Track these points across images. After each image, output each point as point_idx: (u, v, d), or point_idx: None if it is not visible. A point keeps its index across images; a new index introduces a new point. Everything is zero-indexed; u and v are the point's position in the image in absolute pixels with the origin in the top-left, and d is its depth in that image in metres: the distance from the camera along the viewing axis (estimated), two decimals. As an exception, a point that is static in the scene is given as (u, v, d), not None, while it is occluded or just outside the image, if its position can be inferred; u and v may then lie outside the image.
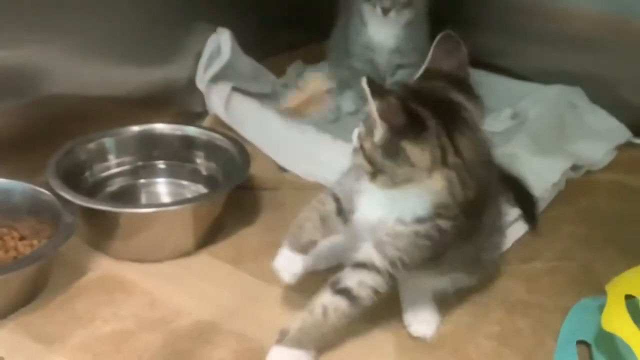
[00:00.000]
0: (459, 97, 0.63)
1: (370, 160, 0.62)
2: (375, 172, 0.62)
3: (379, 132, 0.60)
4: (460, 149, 0.61)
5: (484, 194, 0.67)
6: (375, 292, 0.67)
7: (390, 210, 0.65)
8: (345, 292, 0.67)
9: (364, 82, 0.59)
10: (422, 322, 0.73)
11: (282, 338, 0.67)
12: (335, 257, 0.78)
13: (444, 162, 0.61)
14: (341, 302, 0.66)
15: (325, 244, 0.74)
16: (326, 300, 0.67)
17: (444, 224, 0.64)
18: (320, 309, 0.67)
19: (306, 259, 0.73)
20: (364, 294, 0.66)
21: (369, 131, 0.62)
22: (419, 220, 0.64)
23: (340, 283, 0.67)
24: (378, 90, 0.59)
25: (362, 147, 0.63)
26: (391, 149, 0.60)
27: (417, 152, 0.60)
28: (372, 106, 0.60)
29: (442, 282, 0.74)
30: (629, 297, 0.69)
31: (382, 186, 0.63)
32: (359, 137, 0.63)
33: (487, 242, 0.74)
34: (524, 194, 0.91)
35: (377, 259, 0.66)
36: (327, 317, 0.66)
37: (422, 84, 0.65)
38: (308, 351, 0.67)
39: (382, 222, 0.66)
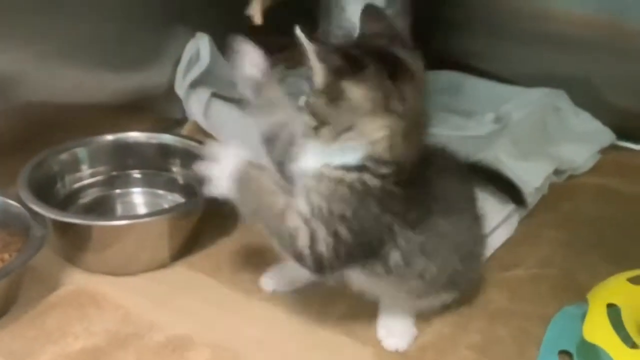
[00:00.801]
0: (400, 53, 0.61)
1: (313, 113, 0.60)
2: (319, 125, 0.60)
3: (319, 75, 0.59)
4: (405, 95, 0.59)
5: (429, 184, 0.65)
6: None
7: (324, 159, 0.63)
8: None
9: (297, 30, 0.58)
10: (395, 335, 0.71)
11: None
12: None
13: (387, 108, 0.59)
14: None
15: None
16: None
17: (369, 179, 0.61)
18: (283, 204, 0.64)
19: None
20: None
21: (312, 83, 0.60)
22: (347, 168, 0.61)
23: None
24: (318, 41, 0.59)
25: (307, 103, 0.61)
26: (332, 93, 0.59)
27: (357, 94, 0.58)
28: (309, 49, 0.58)
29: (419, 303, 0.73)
30: (610, 306, 0.68)
31: (324, 140, 0.61)
32: (305, 94, 0.61)
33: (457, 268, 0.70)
34: (505, 182, 0.90)
35: (302, 204, 0.62)
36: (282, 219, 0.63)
37: (363, 40, 0.64)
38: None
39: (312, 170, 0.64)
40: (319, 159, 0.63)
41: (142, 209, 0.92)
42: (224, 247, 0.86)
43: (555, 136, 1.07)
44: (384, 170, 0.61)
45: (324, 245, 0.62)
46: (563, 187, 1.00)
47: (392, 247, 0.64)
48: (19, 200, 0.78)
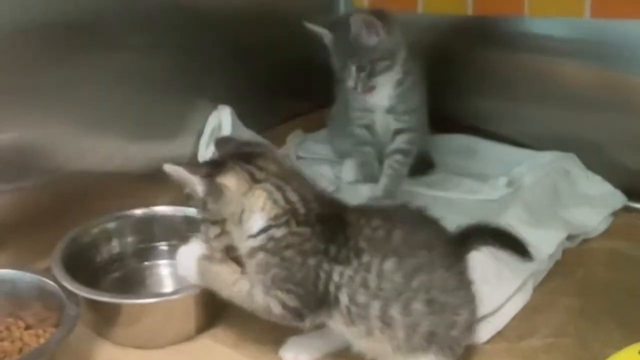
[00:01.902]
0: (246, 146, 0.80)
1: (212, 221, 0.76)
2: (221, 224, 0.75)
3: (198, 185, 0.75)
4: (264, 168, 0.75)
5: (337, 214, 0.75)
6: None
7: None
8: None
9: (166, 167, 0.75)
10: None
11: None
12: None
13: (255, 180, 0.74)
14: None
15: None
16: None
17: (274, 231, 0.73)
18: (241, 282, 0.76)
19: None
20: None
21: (200, 203, 0.76)
22: (254, 236, 0.74)
23: None
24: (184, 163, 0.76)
25: (203, 221, 0.77)
26: (214, 192, 0.74)
27: (231, 182, 0.74)
28: (183, 172, 0.75)
29: None
30: (623, 379, 0.70)
31: (234, 230, 0.75)
32: (202, 218, 0.77)
33: (433, 317, 0.72)
34: (507, 237, 0.88)
35: (256, 285, 0.74)
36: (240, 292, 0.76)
37: (220, 154, 0.80)
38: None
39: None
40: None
41: (169, 281, 0.96)
42: (248, 318, 0.88)
43: (566, 200, 1.10)
44: (281, 219, 0.73)
45: (293, 301, 0.73)
46: (576, 252, 1.02)
47: (335, 288, 0.72)
48: (53, 276, 0.82)
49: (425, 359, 0.73)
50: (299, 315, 0.74)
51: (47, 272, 0.84)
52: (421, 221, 0.77)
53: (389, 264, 0.72)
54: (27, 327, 0.83)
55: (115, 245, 0.95)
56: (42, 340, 0.80)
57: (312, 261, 0.72)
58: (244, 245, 0.75)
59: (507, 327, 0.86)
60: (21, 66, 0.90)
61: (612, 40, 1.15)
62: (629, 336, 0.76)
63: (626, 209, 1.12)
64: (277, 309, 0.74)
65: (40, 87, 0.93)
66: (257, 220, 0.73)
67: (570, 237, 1.03)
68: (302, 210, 0.74)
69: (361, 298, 0.72)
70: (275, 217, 0.73)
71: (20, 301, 0.83)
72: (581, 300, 0.92)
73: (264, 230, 0.73)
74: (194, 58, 1.15)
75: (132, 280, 0.94)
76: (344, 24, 1.06)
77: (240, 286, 0.76)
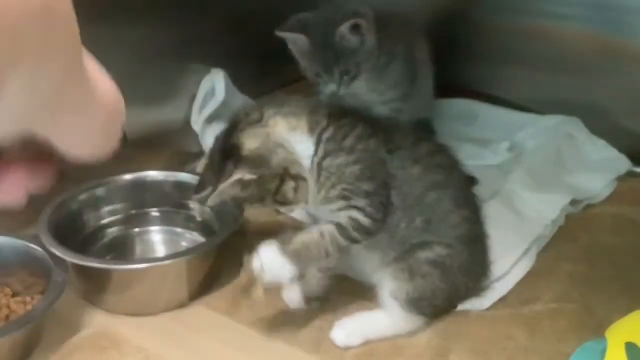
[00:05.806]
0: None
1: (278, 182, 0.72)
2: (289, 176, 0.72)
3: (246, 176, 0.71)
4: (252, 113, 0.75)
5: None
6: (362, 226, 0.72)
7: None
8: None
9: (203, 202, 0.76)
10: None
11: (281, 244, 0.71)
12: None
13: (259, 121, 0.73)
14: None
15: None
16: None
17: (326, 134, 0.73)
18: (317, 232, 0.72)
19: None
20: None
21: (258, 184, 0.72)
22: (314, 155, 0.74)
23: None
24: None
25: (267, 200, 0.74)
26: (257, 164, 0.71)
27: (252, 142, 0.72)
28: (223, 186, 0.71)
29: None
30: (630, 344, 0.68)
31: (301, 172, 0.73)
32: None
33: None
34: None
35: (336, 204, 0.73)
36: (323, 238, 0.72)
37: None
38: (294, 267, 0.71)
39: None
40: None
41: (160, 248, 0.93)
42: (241, 286, 0.86)
43: (570, 165, 1.07)
44: (321, 123, 0.74)
45: (370, 207, 0.71)
46: (580, 218, 0.99)
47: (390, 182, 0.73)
48: (40, 243, 0.80)
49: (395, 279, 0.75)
50: (368, 231, 0.72)
51: (34, 239, 0.81)
52: (443, 148, 0.80)
53: (416, 171, 0.74)
54: (14, 295, 0.80)
55: (104, 212, 0.92)
56: (29, 308, 0.77)
57: (372, 144, 0.73)
58: (315, 177, 0.73)
59: (510, 293, 0.84)
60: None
61: (618, 4, 1.11)
62: (635, 302, 0.74)
63: (631, 174, 1.09)
64: (362, 219, 0.71)
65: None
66: (301, 141, 0.73)
67: (574, 203, 1.00)
68: (327, 109, 0.74)
69: (396, 199, 0.73)
70: (313, 125, 0.73)
71: (6, 268, 0.81)
72: (585, 266, 0.89)
73: (317, 143, 0.73)
74: (186, 21, 1.11)
75: (122, 246, 0.92)
76: (321, 23, 0.96)
77: (328, 231, 0.72)
